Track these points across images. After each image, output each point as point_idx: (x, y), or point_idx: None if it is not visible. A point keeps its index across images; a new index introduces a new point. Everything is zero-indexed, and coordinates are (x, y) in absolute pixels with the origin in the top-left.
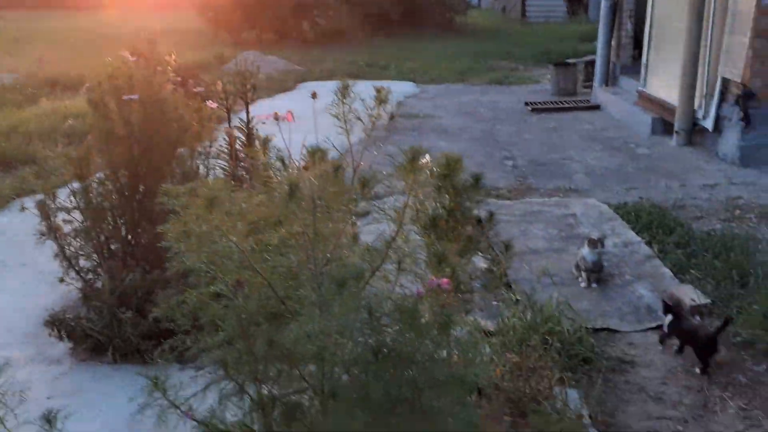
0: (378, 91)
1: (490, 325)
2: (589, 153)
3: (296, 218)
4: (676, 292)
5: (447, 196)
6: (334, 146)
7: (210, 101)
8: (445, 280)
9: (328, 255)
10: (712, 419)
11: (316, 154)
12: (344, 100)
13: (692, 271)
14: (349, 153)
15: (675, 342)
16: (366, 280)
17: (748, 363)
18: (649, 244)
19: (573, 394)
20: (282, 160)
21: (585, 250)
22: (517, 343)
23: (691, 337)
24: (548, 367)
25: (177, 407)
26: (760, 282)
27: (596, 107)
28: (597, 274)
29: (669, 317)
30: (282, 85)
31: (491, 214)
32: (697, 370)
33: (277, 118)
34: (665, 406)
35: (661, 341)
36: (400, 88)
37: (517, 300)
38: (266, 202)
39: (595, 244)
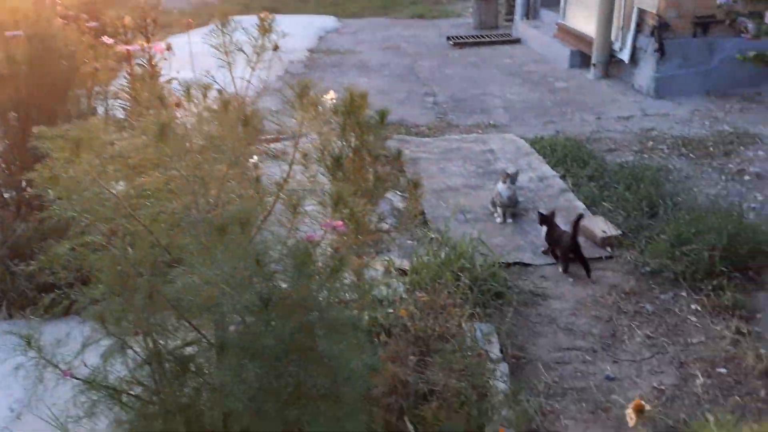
0: (261, 20)
1: (405, 264)
2: (508, 88)
3: (172, 160)
4: (588, 224)
5: (353, 134)
6: (215, 81)
7: (106, 37)
8: (339, 222)
9: (211, 200)
10: (620, 348)
11: (191, 90)
12: (224, 31)
13: (604, 203)
14: (234, 88)
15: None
16: (258, 225)
17: (656, 291)
18: (563, 177)
19: (481, 330)
20: (160, 98)
21: (500, 186)
22: (430, 281)
23: (557, 243)
24: (459, 304)
25: (55, 365)
26: (669, 212)
27: (517, 41)
28: (512, 209)
29: (544, 228)
30: (195, 20)
31: (399, 152)
32: (560, 269)
33: (143, 50)
34: (575, 336)
35: (546, 252)
36: (320, 23)
37: (432, 238)
38: (147, 143)
39: (509, 179)
